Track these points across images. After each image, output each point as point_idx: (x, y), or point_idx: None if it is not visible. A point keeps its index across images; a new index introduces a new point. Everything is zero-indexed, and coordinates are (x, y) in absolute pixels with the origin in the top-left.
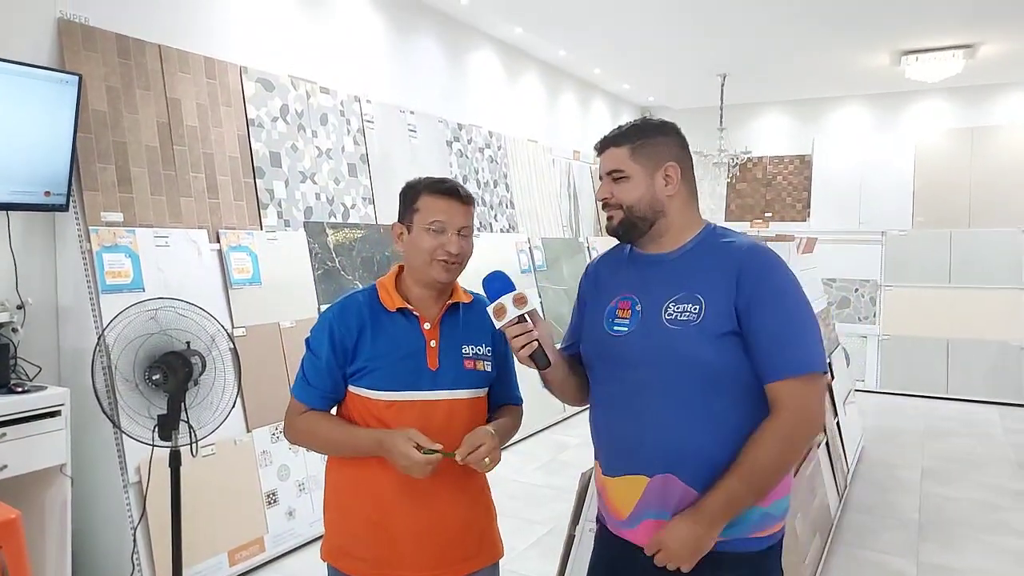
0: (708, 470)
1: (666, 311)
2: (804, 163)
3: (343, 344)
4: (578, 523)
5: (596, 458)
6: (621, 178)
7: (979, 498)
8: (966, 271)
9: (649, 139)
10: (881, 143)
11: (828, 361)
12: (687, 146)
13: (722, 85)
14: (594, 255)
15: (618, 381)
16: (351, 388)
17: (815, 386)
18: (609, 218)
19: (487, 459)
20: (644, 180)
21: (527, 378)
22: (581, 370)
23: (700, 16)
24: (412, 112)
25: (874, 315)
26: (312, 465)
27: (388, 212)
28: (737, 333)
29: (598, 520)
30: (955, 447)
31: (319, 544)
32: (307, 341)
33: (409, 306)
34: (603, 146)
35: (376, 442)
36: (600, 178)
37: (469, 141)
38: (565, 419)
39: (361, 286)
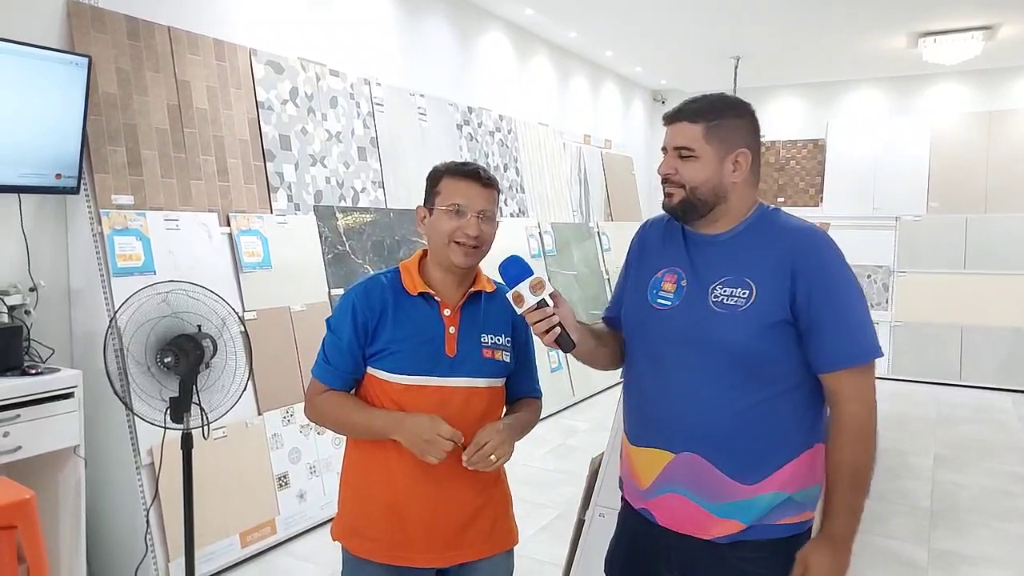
0: (736, 454)
1: (713, 293)
2: (818, 147)
3: (365, 325)
4: (588, 508)
5: (624, 425)
6: (690, 157)
7: (991, 485)
8: (981, 257)
9: (726, 120)
10: (896, 127)
11: None
12: (759, 131)
13: (735, 68)
14: (604, 240)
15: (655, 354)
16: (370, 370)
17: (870, 373)
18: (668, 195)
19: (492, 456)
20: (713, 163)
21: (538, 362)
22: (611, 339)
23: None
24: (422, 95)
25: (887, 301)
26: (323, 448)
27: (398, 196)
28: (788, 323)
29: (620, 487)
30: (967, 434)
31: (330, 525)
32: (328, 321)
33: (431, 290)
34: (675, 118)
35: (395, 422)
36: (663, 150)
37: (479, 124)
38: (575, 404)
39: (371, 270)
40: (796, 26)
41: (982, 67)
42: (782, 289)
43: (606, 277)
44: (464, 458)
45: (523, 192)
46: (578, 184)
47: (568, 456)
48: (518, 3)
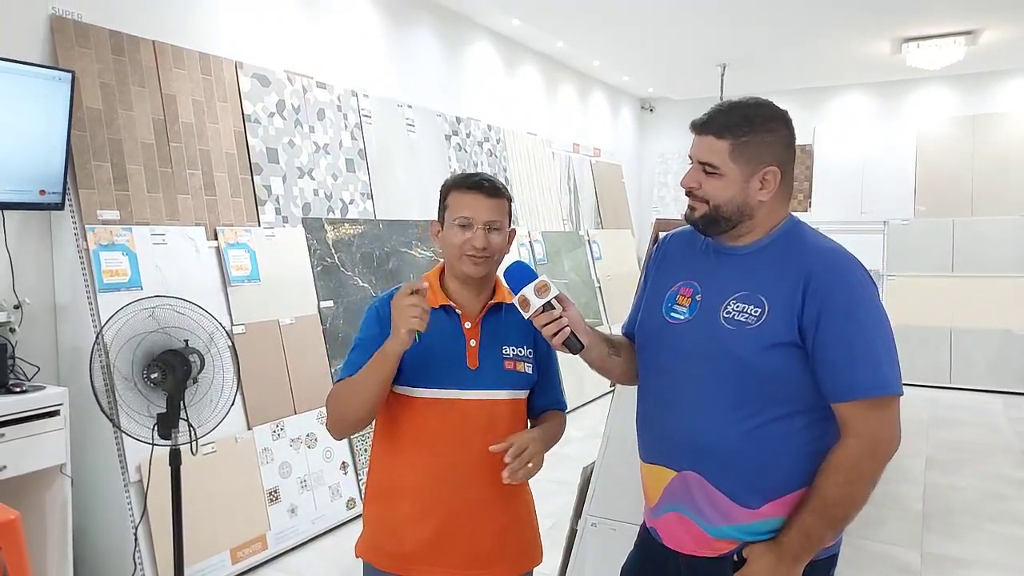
0: (737, 475)
1: (726, 308)
2: (805, 153)
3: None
4: (580, 518)
5: (637, 440)
6: (714, 173)
7: (983, 487)
8: (969, 260)
9: (756, 136)
10: (882, 132)
11: None
12: (794, 143)
13: (722, 75)
14: (594, 248)
15: (664, 369)
16: (394, 387)
17: (886, 410)
18: (691, 208)
19: (531, 464)
20: (738, 182)
21: None
22: (627, 350)
23: (699, 6)
24: (410, 106)
25: None
26: (314, 462)
27: (387, 207)
28: (797, 345)
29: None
30: (959, 436)
31: (322, 541)
32: (355, 340)
33: (451, 303)
34: (703, 130)
35: (383, 345)
36: (689, 158)
37: (468, 135)
38: (568, 412)
39: (361, 282)
40: (781, 33)
41: (965, 71)
42: (791, 311)
43: (597, 285)
44: (507, 459)
45: (512, 201)
46: (568, 193)
47: (561, 465)
48: (505, 14)
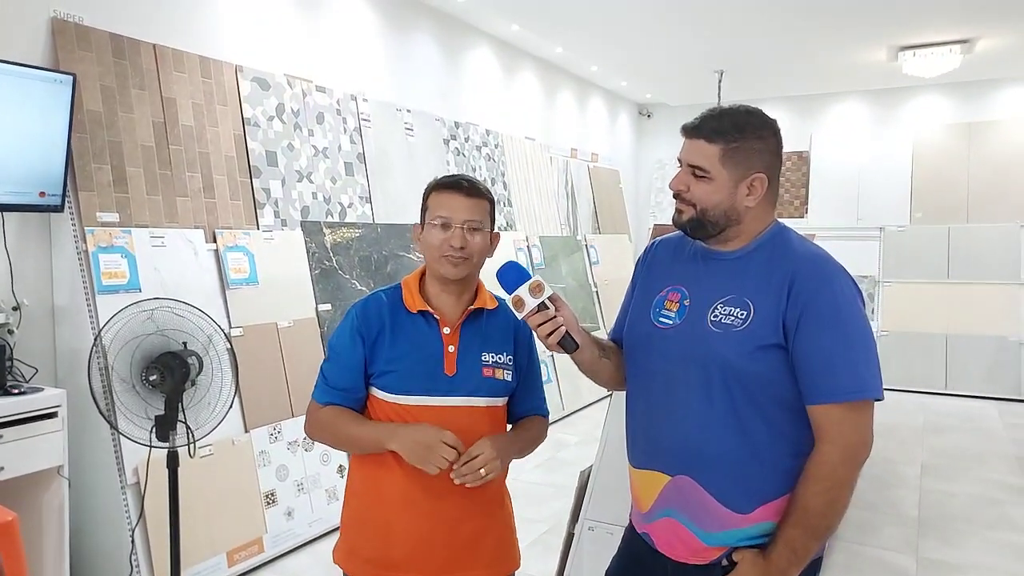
0: (729, 479)
1: (713, 311)
2: (802, 159)
3: (364, 339)
4: (577, 521)
5: (626, 446)
6: (703, 177)
7: (979, 493)
8: (964, 266)
9: (746, 143)
10: (879, 139)
11: None
12: (781, 152)
13: (719, 81)
14: (592, 253)
15: (654, 373)
16: (372, 391)
17: (861, 414)
18: (679, 211)
19: (482, 471)
20: (727, 187)
21: None
22: (616, 354)
23: (697, 12)
24: (409, 110)
25: (872, 311)
26: (311, 465)
27: (385, 211)
28: (782, 347)
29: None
30: (954, 442)
31: (318, 544)
32: (328, 344)
33: (430, 308)
34: (693, 133)
35: (391, 431)
36: (679, 160)
37: (466, 139)
38: (564, 417)
39: (359, 285)
40: (778, 40)
41: (961, 79)
42: (776, 312)
43: (594, 290)
44: (454, 468)
45: (511, 206)
46: (565, 198)
47: (558, 470)
48: (504, 19)
